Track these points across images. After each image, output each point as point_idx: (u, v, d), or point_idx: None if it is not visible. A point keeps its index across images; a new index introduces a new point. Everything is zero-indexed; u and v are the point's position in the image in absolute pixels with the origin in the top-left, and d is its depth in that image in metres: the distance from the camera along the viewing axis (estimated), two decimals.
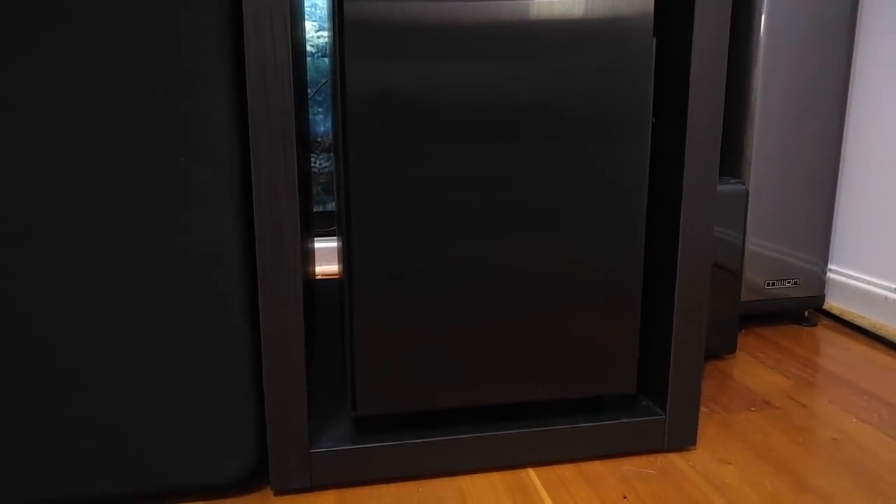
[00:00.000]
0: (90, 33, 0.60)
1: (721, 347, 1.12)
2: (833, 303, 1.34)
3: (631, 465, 0.79)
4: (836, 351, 1.17)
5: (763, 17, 1.17)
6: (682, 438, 0.82)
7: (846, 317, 1.31)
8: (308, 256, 1.00)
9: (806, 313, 1.32)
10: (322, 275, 1.64)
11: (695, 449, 0.82)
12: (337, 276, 1.63)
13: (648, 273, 0.83)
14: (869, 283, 1.27)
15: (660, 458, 0.80)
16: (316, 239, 1.64)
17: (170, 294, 0.66)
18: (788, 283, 1.26)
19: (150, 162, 0.63)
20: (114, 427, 0.67)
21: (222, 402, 0.69)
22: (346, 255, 0.72)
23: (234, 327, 0.68)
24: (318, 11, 1.59)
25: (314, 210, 1.63)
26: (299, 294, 0.69)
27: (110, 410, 0.67)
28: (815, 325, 1.30)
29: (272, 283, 0.68)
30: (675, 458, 0.80)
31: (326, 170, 1.63)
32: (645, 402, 0.84)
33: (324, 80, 1.61)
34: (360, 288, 0.71)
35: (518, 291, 0.75)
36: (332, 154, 1.60)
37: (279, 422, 0.71)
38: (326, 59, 1.60)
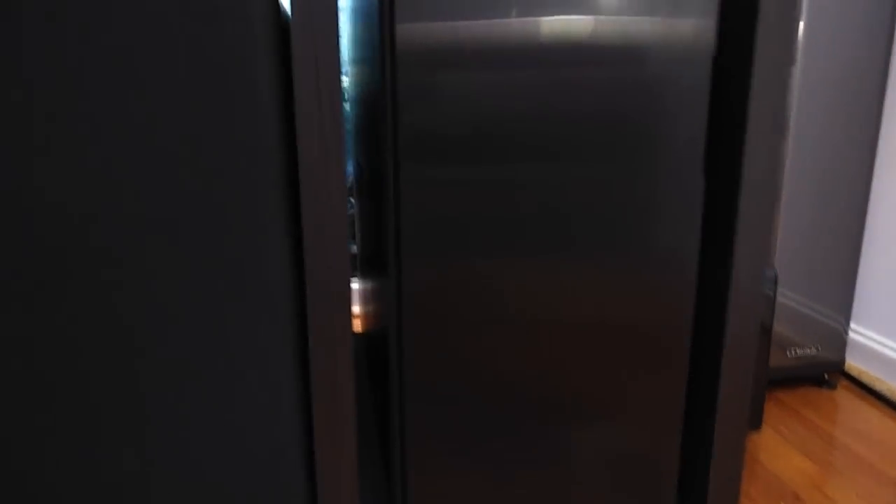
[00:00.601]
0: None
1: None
2: (852, 362, 1.36)
3: None
4: (858, 423, 1.19)
5: (797, 76, 1.17)
6: None
7: (864, 378, 1.33)
8: None
9: (826, 375, 1.34)
10: None
11: None
12: (356, 318, 1.63)
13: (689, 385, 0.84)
14: (888, 347, 1.29)
15: None
16: None
17: (222, 420, 0.67)
18: (810, 349, 1.28)
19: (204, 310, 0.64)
20: None
21: None
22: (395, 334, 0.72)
23: (286, 449, 0.69)
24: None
25: None
26: (354, 441, 0.70)
27: None
28: (835, 387, 1.32)
29: (329, 431, 0.69)
30: None
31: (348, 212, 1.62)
32: None
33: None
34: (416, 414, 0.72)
35: (565, 396, 0.76)
36: (350, 198, 1.59)
37: None
38: (347, 105, 1.59)
